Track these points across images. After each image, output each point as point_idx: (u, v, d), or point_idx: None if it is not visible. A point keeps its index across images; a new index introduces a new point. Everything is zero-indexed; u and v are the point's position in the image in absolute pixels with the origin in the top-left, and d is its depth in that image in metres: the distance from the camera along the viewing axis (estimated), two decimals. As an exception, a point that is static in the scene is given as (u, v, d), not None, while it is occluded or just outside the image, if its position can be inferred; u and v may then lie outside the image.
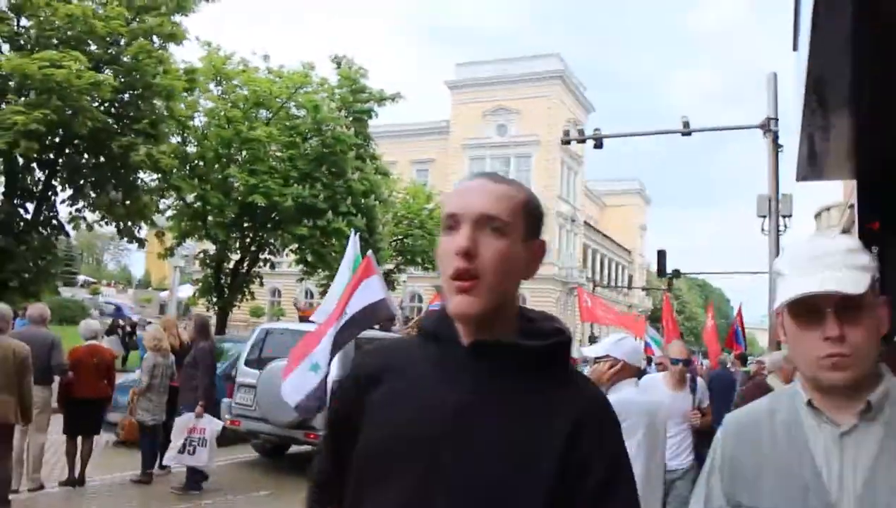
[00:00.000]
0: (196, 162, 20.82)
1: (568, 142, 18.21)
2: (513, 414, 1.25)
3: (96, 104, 15.59)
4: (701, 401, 6.26)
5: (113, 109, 16.61)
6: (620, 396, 3.67)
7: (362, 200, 21.66)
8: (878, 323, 1.43)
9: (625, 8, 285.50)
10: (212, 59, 20.67)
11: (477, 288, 1.23)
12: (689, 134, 15.90)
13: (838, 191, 27.00)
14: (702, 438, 5.69)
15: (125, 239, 18.71)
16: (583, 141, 17.72)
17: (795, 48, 14.42)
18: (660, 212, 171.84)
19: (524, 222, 1.30)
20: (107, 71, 16.20)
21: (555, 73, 51.62)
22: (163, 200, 20.17)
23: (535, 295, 50.17)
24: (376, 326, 9.24)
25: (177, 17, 17.66)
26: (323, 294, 17.44)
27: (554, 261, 51.24)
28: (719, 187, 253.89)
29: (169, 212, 21.49)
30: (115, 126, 16.27)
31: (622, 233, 70.63)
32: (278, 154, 21.94)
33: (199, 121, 20.97)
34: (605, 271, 65.63)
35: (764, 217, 14.55)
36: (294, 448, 10.75)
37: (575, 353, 6.56)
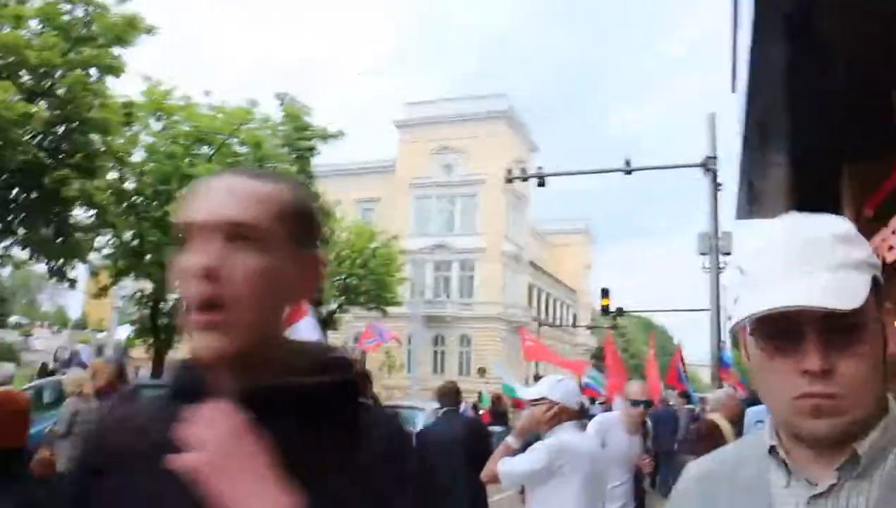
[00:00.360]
0: (134, 198, 20.29)
1: (511, 181, 18.29)
2: (293, 483, 0.91)
3: (28, 136, 15.08)
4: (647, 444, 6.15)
5: (46, 142, 16.09)
6: (559, 440, 3.52)
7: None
8: (880, 346, 1.01)
9: (567, 46, 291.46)
10: (152, 94, 20.25)
11: (226, 320, 0.93)
12: (630, 172, 16.06)
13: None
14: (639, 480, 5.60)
15: (54, 279, 18.12)
16: (525, 179, 17.82)
17: (734, 90, 14.67)
18: (605, 250, 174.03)
19: (289, 229, 1.00)
20: (41, 102, 15.72)
21: (500, 113, 52.05)
22: (98, 238, 19.57)
23: (480, 335, 50.09)
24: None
25: (116, 50, 17.32)
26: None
27: (499, 301, 51.29)
28: (664, 225, 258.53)
29: (105, 250, 20.84)
30: (49, 160, 15.75)
31: (567, 273, 71.15)
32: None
33: (139, 156, 20.50)
34: (551, 310, 65.93)
35: (704, 254, 14.70)
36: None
37: (519, 394, 6.42)
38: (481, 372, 47.03)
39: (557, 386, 3.61)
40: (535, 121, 66.63)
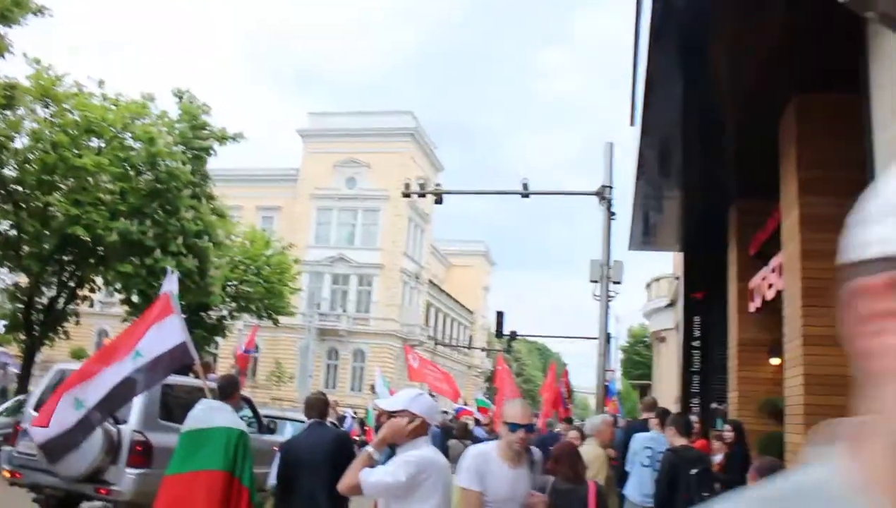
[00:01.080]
0: (13, 187, 19.17)
1: (408, 196, 18.13)
2: None
3: None
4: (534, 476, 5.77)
5: None
6: (422, 453, 3.36)
7: (195, 240, 20.60)
8: None
9: (475, 70, 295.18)
10: (39, 78, 19.21)
11: None
12: (527, 196, 16.14)
13: (668, 263, 28.45)
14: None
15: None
16: (423, 195, 17.71)
17: (632, 123, 14.91)
18: (503, 274, 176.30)
19: None
20: None
21: (407, 129, 52.05)
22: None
23: (375, 351, 49.70)
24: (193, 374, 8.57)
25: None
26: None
27: (396, 318, 51.06)
28: (560, 253, 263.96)
29: None
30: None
31: (465, 294, 71.47)
32: (109, 186, 20.57)
33: (21, 143, 19.37)
34: (448, 330, 66.06)
35: (596, 282, 14.85)
36: (85, 505, 9.71)
37: (380, 404, 6.19)
38: (372, 388, 46.58)
39: (418, 399, 3.46)
40: (440, 140, 67.15)
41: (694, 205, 12.45)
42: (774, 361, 10.90)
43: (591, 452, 6.72)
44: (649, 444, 7.82)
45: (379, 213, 51.98)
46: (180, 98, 21.48)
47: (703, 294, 14.63)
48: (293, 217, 50.99)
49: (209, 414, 6.20)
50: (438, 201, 17.11)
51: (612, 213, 15.08)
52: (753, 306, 10.59)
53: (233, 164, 52.98)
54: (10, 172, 19.10)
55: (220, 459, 5.86)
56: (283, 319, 31.28)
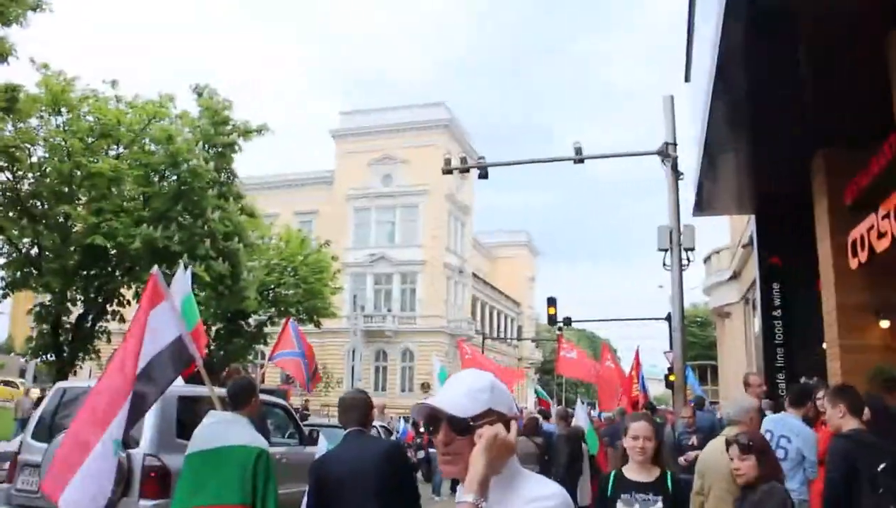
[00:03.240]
0: (32, 201, 18.06)
1: (449, 172, 16.70)
2: None
3: None
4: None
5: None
6: (553, 491, 1.81)
7: (225, 243, 19.29)
8: None
9: (526, 70, 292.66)
10: (48, 84, 18.07)
11: None
12: (581, 161, 14.57)
13: (724, 234, 26.73)
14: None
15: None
16: (465, 170, 16.25)
17: (688, 79, 13.30)
18: (549, 265, 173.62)
19: None
20: None
21: (441, 121, 50.76)
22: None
23: (424, 348, 48.43)
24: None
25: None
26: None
27: (442, 314, 49.77)
28: (610, 242, 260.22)
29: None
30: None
31: (511, 286, 70.00)
32: (131, 192, 19.41)
33: (37, 154, 18.29)
34: (495, 323, 64.60)
35: (665, 250, 13.27)
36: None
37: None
38: (425, 387, 45.49)
39: (497, 389, 1.88)
40: (478, 135, 65.83)
41: (769, 158, 11.02)
42: (884, 324, 9.68)
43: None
44: (769, 427, 6.27)
45: (417, 209, 50.76)
46: (200, 94, 20.20)
47: (779, 259, 13.39)
48: (330, 219, 50.01)
49: (220, 429, 4.79)
50: (483, 175, 15.65)
51: (679, 173, 13.46)
52: (856, 261, 9.01)
53: (265, 171, 52.81)
54: (25, 186, 17.99)
55: (237, 488, 4.46)
56: (327, 323, 30.09)
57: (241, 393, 4.94)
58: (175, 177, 19.16)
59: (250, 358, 27.86)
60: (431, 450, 15.30)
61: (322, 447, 6.14)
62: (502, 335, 65.38)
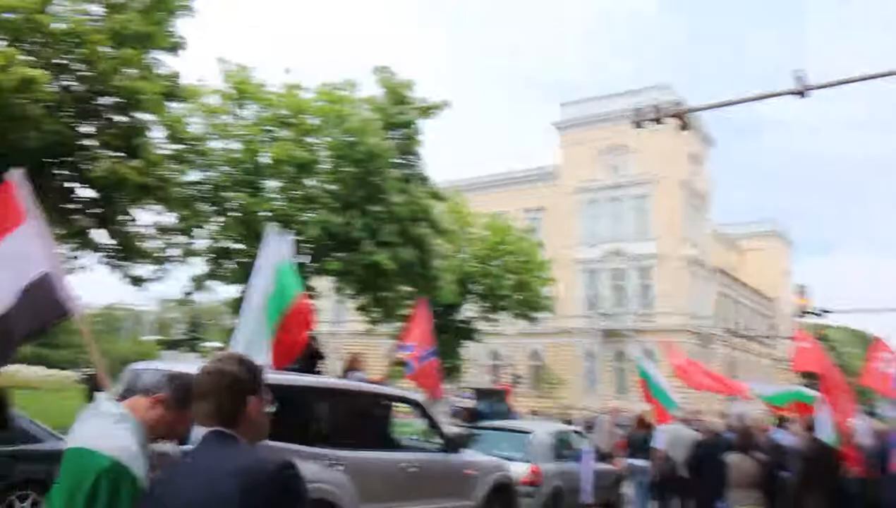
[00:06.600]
0: (221, 193, 17.97)
1: (640, 124, 14.37)
2: None
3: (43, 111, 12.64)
4: None
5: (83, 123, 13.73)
6: None
7: (409, 227, 18.05)
8: None
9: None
10: (231, 78, 17.91)
11: None
12: (801, 94, 11.66)
13: None
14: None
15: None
16: (658, 120, 13.86)
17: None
18: (814, 260, 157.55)
19: None
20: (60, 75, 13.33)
21: (669, 103, 47.13)
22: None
23: (665, 349, 44.98)
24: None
25: (175, 23, 14.99)
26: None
27: (683, 311, 45.98)
28: (877, 230, 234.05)
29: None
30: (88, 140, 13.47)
31: (760, 280, 63.95)
32: (326, 185, 18.87)
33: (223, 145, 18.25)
34: (745, 321, 59.17)
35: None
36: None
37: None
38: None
39: None
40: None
41: None
42: None
43: None
44: None
45: (649, 199, 47.57)
46: (380, 76, 19.32)
47: None
48: (559, 215, 48.14)
49: (96, 423, 2.91)
50: (684, 127, 13.26)
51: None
52: None
53: (487, 172, 52.24)
54: (210, 175, 17.92)
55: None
56: (560, 323, 28.23)
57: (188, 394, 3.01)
58: (359, 161, 18.32)
59: (458, 356, 25.77)
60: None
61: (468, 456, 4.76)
62: (753, 333, 59.90)
